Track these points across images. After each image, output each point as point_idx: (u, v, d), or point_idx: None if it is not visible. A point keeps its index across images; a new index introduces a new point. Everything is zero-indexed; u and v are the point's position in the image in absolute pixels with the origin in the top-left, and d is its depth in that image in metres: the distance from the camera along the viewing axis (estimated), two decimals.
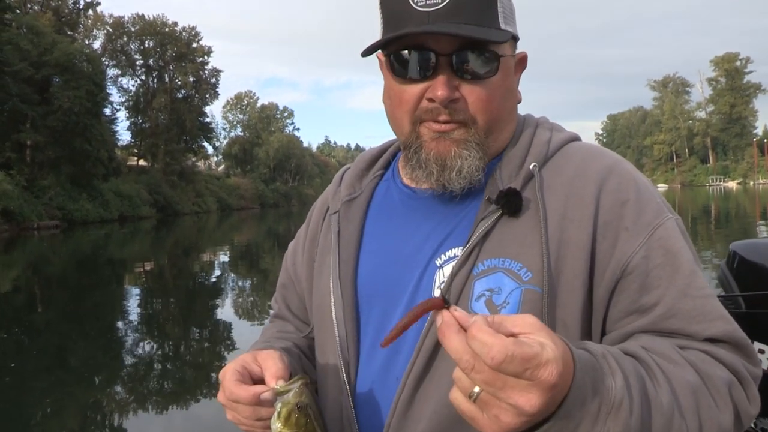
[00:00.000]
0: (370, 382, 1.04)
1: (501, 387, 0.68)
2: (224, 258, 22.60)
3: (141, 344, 9.55)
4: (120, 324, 11.13)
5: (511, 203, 0.98)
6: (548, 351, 0.68)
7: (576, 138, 1.10)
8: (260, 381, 0.98)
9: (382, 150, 1.25)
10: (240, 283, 16.19)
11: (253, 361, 0.99)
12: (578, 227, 0.96)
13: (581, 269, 0.95)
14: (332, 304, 1.09)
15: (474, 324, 0.69)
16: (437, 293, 0.99)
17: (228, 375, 0.97)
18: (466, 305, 0.96)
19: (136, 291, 15.01)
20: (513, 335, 0.70)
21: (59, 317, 11.73)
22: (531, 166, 1.02)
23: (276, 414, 0.91)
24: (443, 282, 0.99)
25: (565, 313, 0.95)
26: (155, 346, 9.59)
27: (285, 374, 0.95)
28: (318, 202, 1.29)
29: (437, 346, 0.95)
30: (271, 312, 1.38)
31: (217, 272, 18.54)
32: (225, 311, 11.98)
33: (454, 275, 0.98)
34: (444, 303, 0.73)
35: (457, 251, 1.00)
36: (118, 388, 7.38)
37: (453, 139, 0.99)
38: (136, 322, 11.24)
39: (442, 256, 1.02)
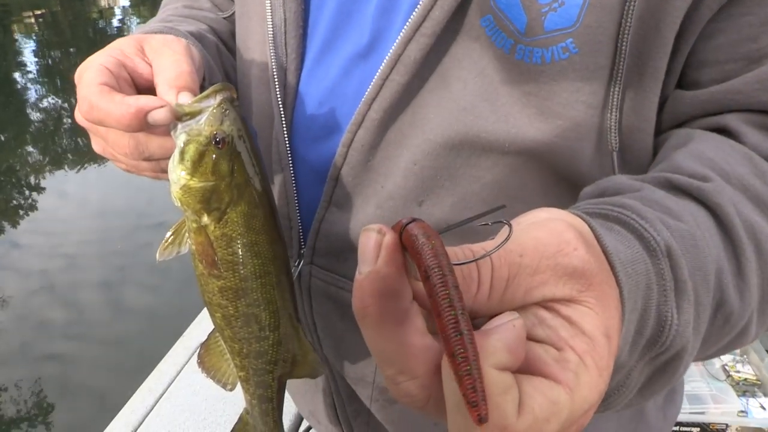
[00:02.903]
0: (316, 102, 0.64)
1: None
2: (126, 4, 20.84)
3: (46, 99, 8.95)
4: (18, 77, 10.28)
5: None
6: (592, 391, 0.31)
7: None
8: (148, 89, 0.56)
9: None
10: None
11: (138, 53, 0.57)
12: None
13: None
14: None
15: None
16: None
17: (88, 75, 0.53)
18: None
19: (29, 41, 13.72)
20: (543, 305, 0.32)
21: None
22: None
23: (177, 152, 0.51)
24: None
25: (657, 35, 0.51)
26: (61, 100, 9.00)
27: (192, 82, 0.54)
28: None
29: (438, 52, 0.55)
30: None
31: (120, 17, 17.16)
32: None
33: None
34: (402, 229, 0.30)
35: None
36: (30, 148, 7.00)
37: None
38: (35, 75, 10.40)
39: None
